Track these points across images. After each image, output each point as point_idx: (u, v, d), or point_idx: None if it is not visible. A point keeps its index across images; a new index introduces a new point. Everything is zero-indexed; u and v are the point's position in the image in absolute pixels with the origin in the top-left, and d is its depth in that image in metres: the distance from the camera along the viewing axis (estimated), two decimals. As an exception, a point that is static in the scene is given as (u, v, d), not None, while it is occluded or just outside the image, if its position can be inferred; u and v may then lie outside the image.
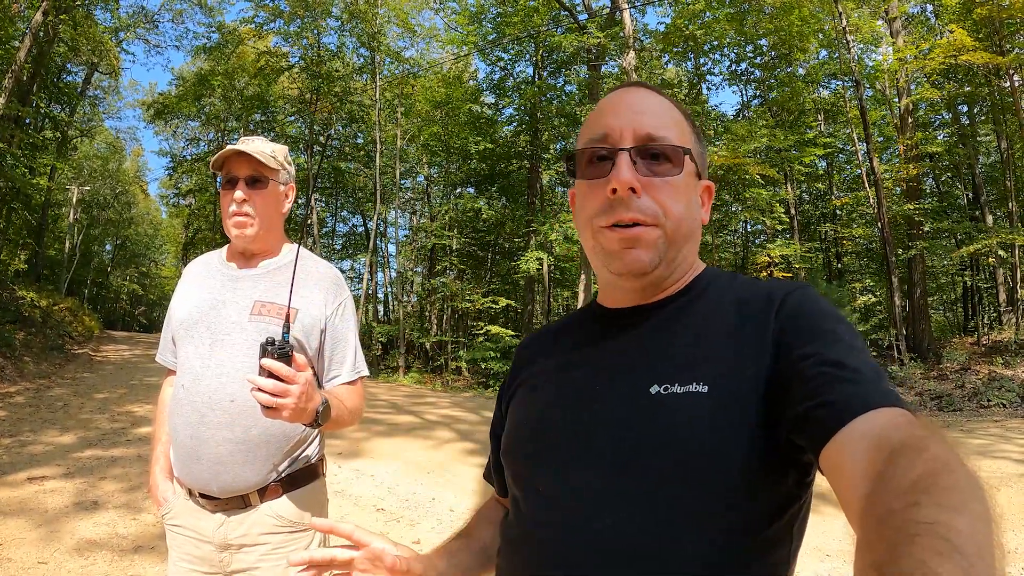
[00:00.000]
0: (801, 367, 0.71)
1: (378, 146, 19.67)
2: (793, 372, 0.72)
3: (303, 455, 1.71)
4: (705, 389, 0.75)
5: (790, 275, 16.62)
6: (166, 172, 30.68)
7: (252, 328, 1.65)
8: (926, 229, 17.61)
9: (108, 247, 41.63)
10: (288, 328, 1.39)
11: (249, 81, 24.65)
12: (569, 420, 0.84)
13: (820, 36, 18.46)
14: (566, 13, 18.74)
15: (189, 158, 29.56)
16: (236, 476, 1.61)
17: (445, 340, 18.72)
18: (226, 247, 1.87)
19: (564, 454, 0.83)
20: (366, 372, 1.86)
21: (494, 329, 16.93)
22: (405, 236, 23.60)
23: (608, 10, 18.14)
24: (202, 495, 1.65)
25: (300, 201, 22.21)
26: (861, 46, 18.98)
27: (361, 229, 24.28)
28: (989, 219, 18.88)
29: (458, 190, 21.88)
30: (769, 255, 16.39)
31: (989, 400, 11.17)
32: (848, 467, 0.62)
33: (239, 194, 1.70)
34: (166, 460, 1.77)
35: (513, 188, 20.09)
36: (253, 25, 21.78)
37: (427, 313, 21.31)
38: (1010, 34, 16.49)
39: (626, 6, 17.16)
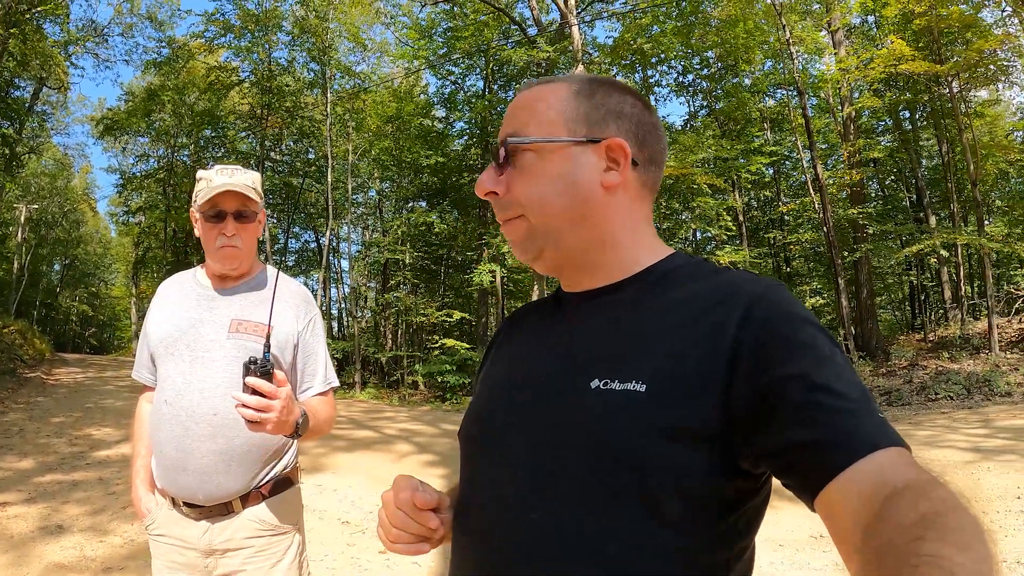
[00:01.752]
0: (784, 390, 0.66)
1: (330, 161, 19.47)
2: (774, 394, 0.67)
3: (281, 464, 1.83)
4: (643, 388, 0.72)
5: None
6: (115, 189, 29.87)
7: (231, 345, 1.74)
8: (871, 232, 18.07)
9: (57, 267, 40.49)
10: (269, 347, 1.48)
11: (199, 96, 24.24)
12: (513, 408, 0.84)
13: (765, 48, 18.87)
14: (516, 27, 18.87)
15: (139, 175, 28.86)
16: (220, 485, 1.70)
17: (400, 355, 18.56)
18: (200, 267, 1.95)
19: (500, 442, 0.83)
20: (336, 383, 1.98)
21: (449, 342, 16.82)
22: (358, 251, 23.41)
23: (557, 24, 18.29)
24: (187, 504, 1.74)
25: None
26: (805, 57, 19.46)
27: (314, 245, 24.17)
28: (932, 220, 19.46)
29: (410, 204, 21.76)
30: (718, 262, 16.59)
31: (936, 394, 11.46)
32: (849, 508, 0.60)
33: (230, 230, 1.79)
34: (147, 473, 1.85)
35: (465, 201, 20.06)
36: (203, 40, 21.45)
37: (382, 328, 21.11)
38: (948, 43, 17.08)
39: (575, 20, 17.32)
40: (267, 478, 1.80)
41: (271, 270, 1.95)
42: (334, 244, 21.93)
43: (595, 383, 0.75)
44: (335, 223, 20.52)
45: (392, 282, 20.26)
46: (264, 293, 1.85)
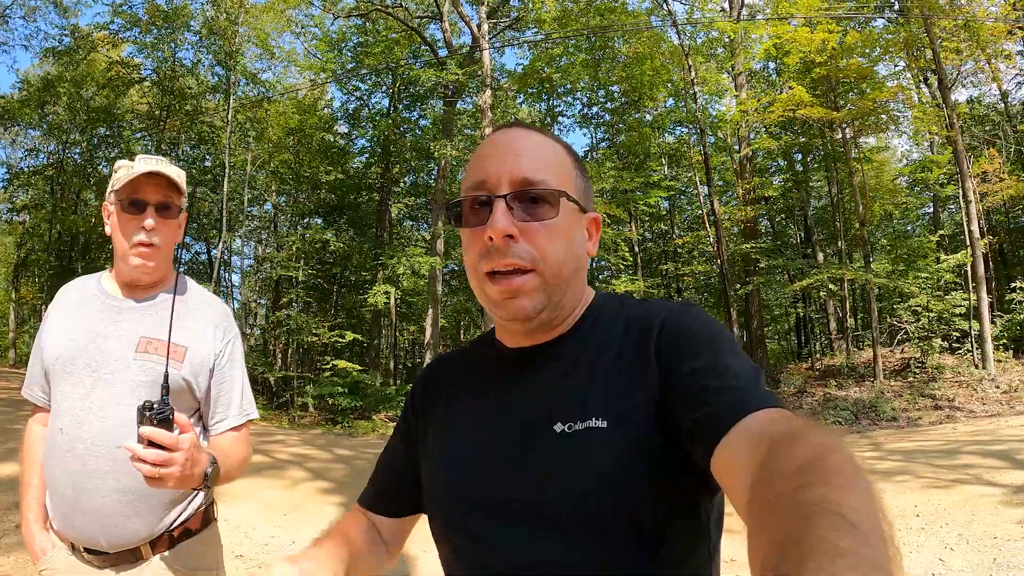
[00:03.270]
0: (684, 383, 0.75)
1: (227, 170, 18.70)
2: (677, 389, 0.76)
3: (195, 502, 1.61)
4: (604, 424, 0.78)
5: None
6: (0, 185, 27.80)
7: (137, 367, 1.51)
8: (762, 266, 18.82)
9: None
10: (167, 389, 1.32)
11: (97, 91, 22.96)
12: (490, 470, 0.85)
13: (669, 86, 19.44)
14: (427, 48, 18.74)
15: (27, 170, 26.98)
16: (125, 528, 1.48)
17: (291, 375, 17.89)
18: (106, 272, 1.69)
19: (491, 505, 0.83)
20: (254, 414, 1.74)
21: (341, 364, 16.37)
22: (250, 266, 22.59)
23: (468, 48, 18.29)
24: (88, 550, 1.50)
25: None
26: (707, 97, 20.16)
27: (204, 257, 23.06)
28: (820, 256, 20.49)
29: (306, 220, 21.15)
30: (614, 291, 16.89)
31: (826, 419, 11.98)
32: (734, 466, 0.64)
33: (150, 222, 1.54)
34: (40, 508, 1.59)
35: (362, 220, 19.69)
36: (108, 32, 20.37)
37: (271, 347, 20.34)
38: (844, 92, 18.03)
39: (486, 46, 17.36)
40: (180, 518, 1.57)
41: (189, 281, 1.71)
42: (226, 257, 21.07)
43: (559, 427, 0.80)
44: (228, 235, 19.72)
45: (284, 299, 19.53)
46: (179, 307, 1.60)
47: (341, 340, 17.09)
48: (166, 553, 1.55)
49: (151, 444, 1.23)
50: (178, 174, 1.60)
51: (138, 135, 23.14)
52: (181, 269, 1.78)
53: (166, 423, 1.25)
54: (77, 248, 23.75)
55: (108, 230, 1.62)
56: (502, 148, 0.88)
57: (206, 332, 1.63)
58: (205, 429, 1.68)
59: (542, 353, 0.90)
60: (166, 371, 1.37)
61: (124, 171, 1.57)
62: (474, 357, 1.02)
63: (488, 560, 0.83)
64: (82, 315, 1.59)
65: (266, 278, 20.19)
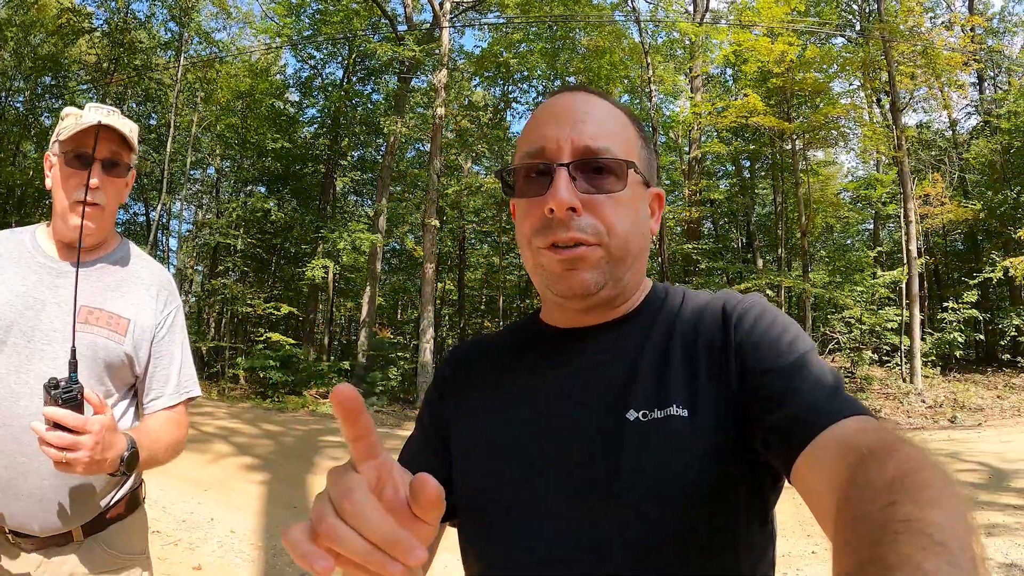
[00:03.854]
0: (765, 382, 0.71)
1: (172, 130, 18.16)
2: (758, 388, 0.72)
3: (127, 483, 1.53)
4: (686, 413, 0.74)
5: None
6: (-64, 128, 26.54)
7: (76, 339, 1.33)
8: (702, 267, 19.13)
9: None
10: (75, 366, 1.21)
11: (46, 39, 22.11)
12: (541, 453, 0.78)
13: (626, 82, 19.57)
14: (386, 22, 18.47)
15: (-35, 116, 25.83)
16: (61, 512, 1.39)
17: (223, 346, 17.53)
18: (42, 226, 1.54)
19: (543, 489, 0.76)
20: (196, 392, 1.62)
21: (274, 336, 16.10)
22: (188, 231, 22.05)
23: (428, 25, 18.06)
24: (15, 533, 1.39)
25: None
26: (662, 96, 20.33)
27: (142, 219, 22.40)
28: (760, 262, 20.93)
29: (249, 188, 20.69)
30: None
31: None
32: (818, 478, 0.62)
33: (95, 180, 1.40)
34: None
35: (306, 192, 19.35)
36: (63, -25, 19.58)
37: (205, 315, 19.88)
38: (798, 104, 18.38)
39: (447, 24, 17.17)
40: (113, 500, 1.49)
41: (131, 246, 1.60)
42: (164, 220, 20.50)
43: (632, 415, 0.75)
44: (168, 198, 19.18)
45: (220, 268, 19.12)
46: (121, 274, 1.51)
47: (276, 312, 16.79)
48: (97, 536, 1.48)
49: (57, 427, 1.15)
50: (131, 128, 1.48)
51: (84, 87, 22.32)
52: (118, 230, 1.65)
53: (73, 403, 1.17)
54: (12, 201, 22.85)
55: (48, 183, 1.50)
56: (562, 113, 0.80)
57: (147, 303, 1.53)
58: (140, 405, 1.60)
59: (604, 333, 0.84)
60: (72, 347, 1.25)
61: (71, 120, 1.44)
62: (511, 339, 0.95)
63: (532, 555, 0.75)
64: (17, 275, 1.45)
65: (204, 244, 19.68)
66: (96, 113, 1.43)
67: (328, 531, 0.46)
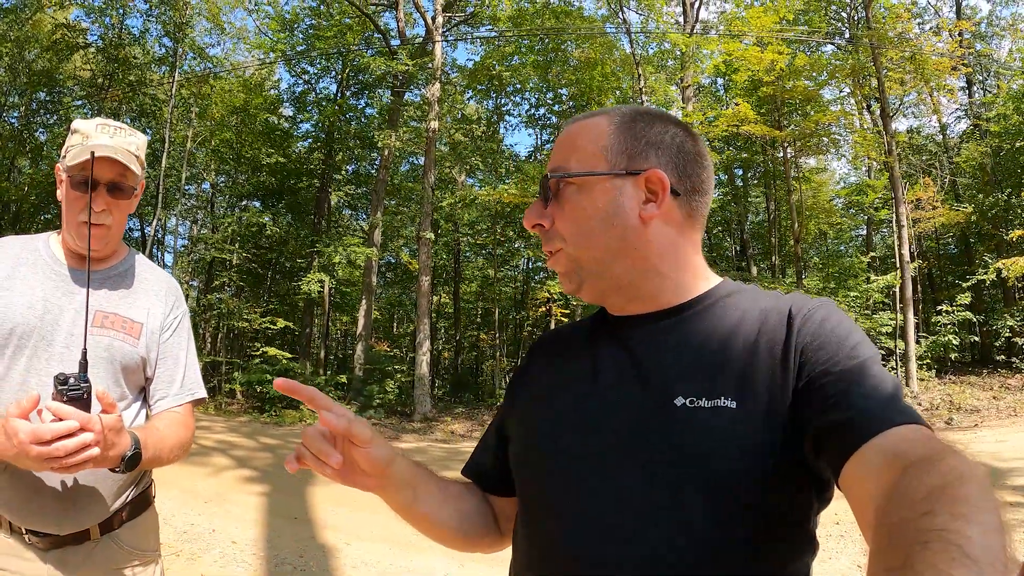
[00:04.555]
0: (822, 383, 0.72)
1: (167, 146, 18.21)
2: (815, 389, 0.73)
3: (143, 481, 1.59)
4: (734, 404, 0.75)
5: (568, 312, 17.37)
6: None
7: (93, 343, 1.42)
8: (697, 276, 19.13)
9: None
10: (86, 367, 1.23)
11: (40, 54, 22.13)
12: (585, 427, 0.84)
13: (618, 93, 19.61)
14: (379, 36, 18.56)
15: (-42, 132, 25.81)
16: (82, 511, 1.43)
17: (219, 360, 17.53)
18: (55, 235, 1.60)
19: (584, 462, 0.82)
20: (201, 394, 1.66)
21: (271, 351, 16.11)
22: (183, 246, 22.05)
23: (421, 39, 18.17)
24: (31, 531, 1.41)
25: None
26: (654, 106, 20.40)
27: (137, 234, 22.43)
28: (754, 270, 21.00)
29: (244, 203, 20.69)
30: (549, 291, 17.07)
31: None
32: (864, 483, 0.62)
33: (100, 203, 1.46)
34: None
35: (300, 206, 19.39)
36: (58, -8, 19.64)
37: (201, 330, 19.89)
38: (788, 112, 18.49)
39: (439, 38, 17.29)
40: (130, 498, 1.54)
41: (139, 255, 1.67)
42: (159, 236, 20.53)
43: (680, 401, 0.77)
44: (163, 213, 19.22)
45: (216, 283, 19.10)
46: (131, 281, 1.58)
47: (272, 327, 16.81)
48: (112, 533, 1.51)
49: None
50: (137, 146, 1.52)
51: (79, 102, 22.34)
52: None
53: (79, 401, 1.18)
54: (7, 217, 22.83)
55: (60, 194, 1.54)
56: (554, 147, 0.94)
57: (156, 308, 1.59)
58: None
59: (650, 322, 0.88)
60: (84, 348, 1.28)
61: (78, 139, 1.47)
62: (577, 326, 1.02)
63: (576, 526, 0.80)
64: (36, 281, 1.49)
65: (199, 259, 19.67)
66: (102, 133, 1.47)
67: (300, 446, 0.84)
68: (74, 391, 1.18)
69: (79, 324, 1.45)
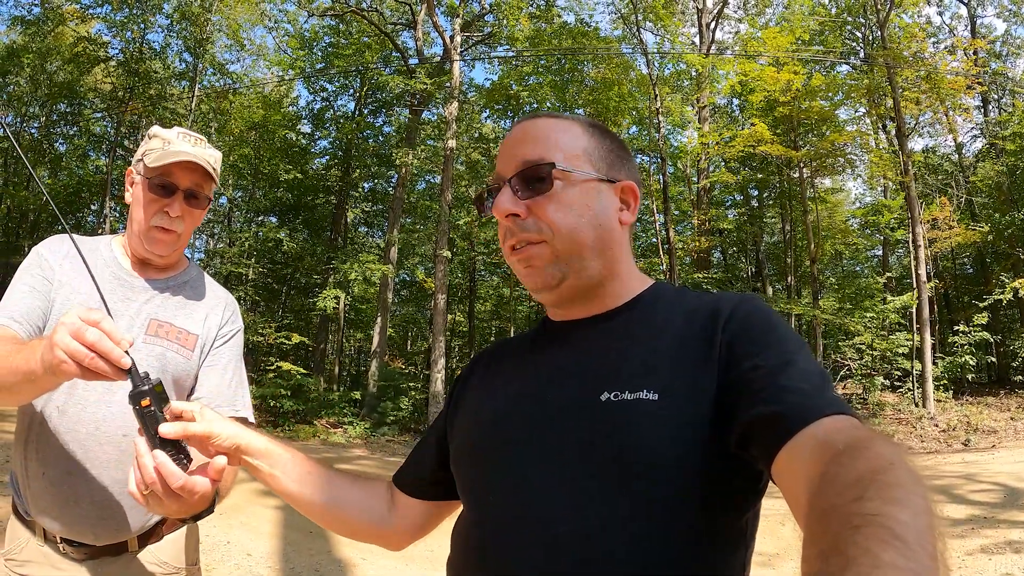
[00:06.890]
0: (750, 377, 0.74)
1: (186, 161, 18.38)
2: (742, 382, 0.74)
3: None
4: (655, 397, 0.77)
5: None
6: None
7: (146, 351, 1.39)
8: (713, 297, 19.08)
9: None
10: (165, 395, 0.98)
11: (62, 66, 22.43)
12: (521, 424, 0.86)
13: (634, 113, 19.72)
14: (398, 55, 18.73)
15: (-19, 142, 26.14)
16: (121, 522, 1.37)
17: (234, 374, 17.59)
18: (117, 238, 1.56)
19: (518, 457, 0.84)
20: (247, 415, 1.54)
21: (285, 366, 16.14)
22: (200, 260, 22.20)
23: (439, 59, 18.31)
24: (67, 541, 1.36)
25: (93, 208, 20.25)
26: (670, 127, 20.47)
27: (155, 248, 22.46)
28: (769, 291, 20.90)
29: (260, 218, 20.89)
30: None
31: None
32: (796, 473, 0.63)
33: (176, 209, 1.43)
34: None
35: (317, 222, 19.52)
36: (79, 6, 19.93)
37: (217, 344, 19.92)
38: (804, 132, 18.45)
39: (457, 58, 17.42)
40: None
41: (200, 270, 1.64)
42: (178, 249, 20.54)
43: (605, 396, 0.79)
44: (181, 227, 19.35)
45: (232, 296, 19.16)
46: (190, 292, 1.53)
47: (287, 342, 16.86)
48: (151, 547, 1.46)
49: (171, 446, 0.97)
50: (216, 159, 1.50)
51: (99, 115, 22.65)
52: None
53: (181, 454, 0.97)
54: (26, 226, 23.11)
55: (128, 198, 1.50)
56: (511, 139, 0.94)
57: (212, 320, 1.55)
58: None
59: (591, 325, 0.91)
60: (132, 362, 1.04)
61: (158, 143, 1.44)
62: (520, 336, 1.06)
63: (503, 519, 0.83)
64: (99, 282, 1.42)
65: (215, 273, 19.79)
66: (184, 142, 1.45)
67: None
68: (177, 448, 0.97)
69: (132, 331, 1.41)
